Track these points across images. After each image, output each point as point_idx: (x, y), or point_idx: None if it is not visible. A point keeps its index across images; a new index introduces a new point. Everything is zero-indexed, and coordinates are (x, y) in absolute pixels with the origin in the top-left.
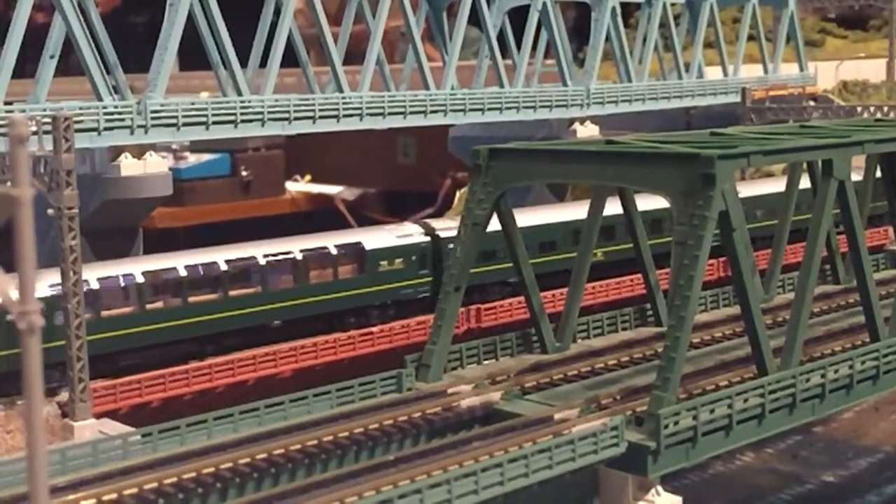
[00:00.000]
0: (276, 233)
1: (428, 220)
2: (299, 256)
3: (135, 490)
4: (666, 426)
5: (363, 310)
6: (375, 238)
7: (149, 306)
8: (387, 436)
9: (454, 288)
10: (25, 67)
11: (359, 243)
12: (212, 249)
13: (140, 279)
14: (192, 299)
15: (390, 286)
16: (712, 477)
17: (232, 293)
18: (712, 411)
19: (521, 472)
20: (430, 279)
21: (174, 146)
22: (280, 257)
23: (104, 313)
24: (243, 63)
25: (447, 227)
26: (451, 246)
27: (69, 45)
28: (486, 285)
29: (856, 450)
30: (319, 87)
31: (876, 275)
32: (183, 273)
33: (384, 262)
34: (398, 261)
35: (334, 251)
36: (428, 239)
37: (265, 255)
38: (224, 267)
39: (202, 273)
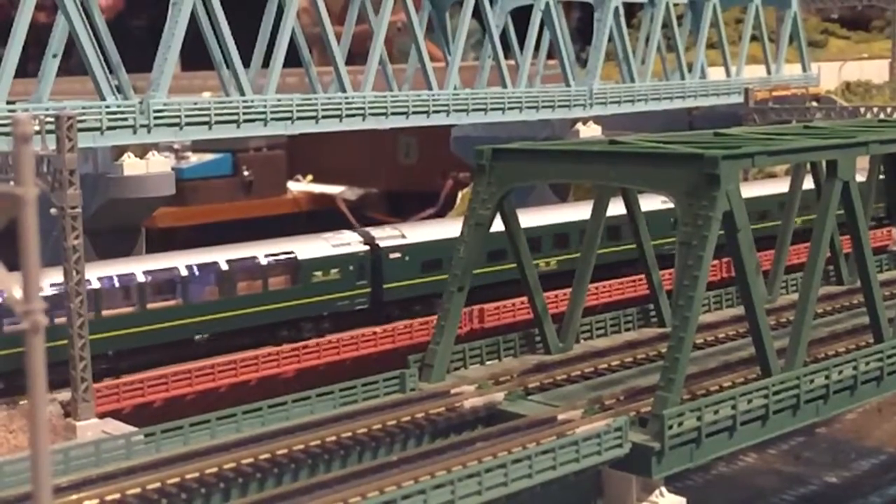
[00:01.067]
0: (278, 232)
1: (368, 229)
2: (225, 267)
3: (138, 490)
4: (670, 427)
5: (296, 323)
6: (309, 247)
7: (57, 321)
8: (390, 436)
9: (457, 288)
10: (27, 67)
11: (291, 253)
12: (130, 260)
13: (47, 291)
14: (105, 313)
15: (325, 298)
16: (715, 478)
17: (151, 306)
18: (716, 412)
19: (525, 472)
20: (368, 290)
21: (176, 146)
22: (204, 268)
23: (7, 329)
24: (246, 63)
25: (388, 235)
26: (394, 256)
27: (70, 46)
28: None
29: (859, 451)
30: (322, 87)
31: (879, 276)
32: (96, 285)
33: (318, 273)
34: (334, 271)
35: (264, 261)
36: (367, 248)
37: (187, 266)
38: (142, 278)
39: (117, 285)
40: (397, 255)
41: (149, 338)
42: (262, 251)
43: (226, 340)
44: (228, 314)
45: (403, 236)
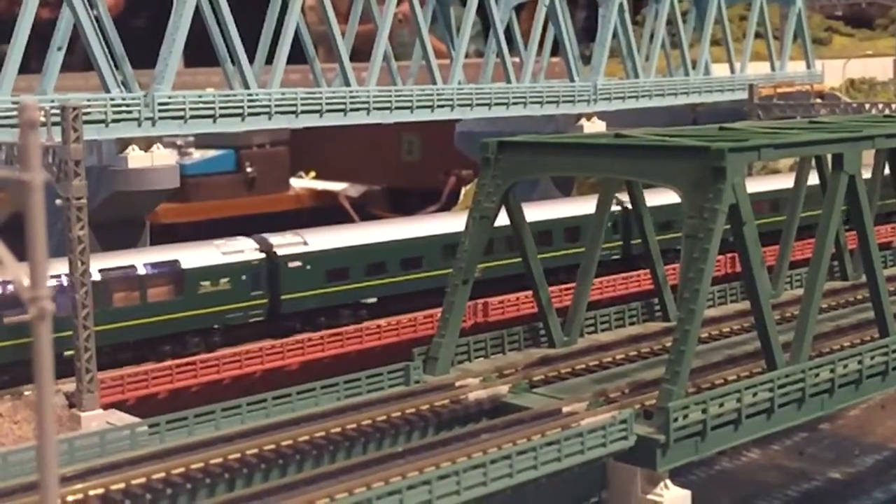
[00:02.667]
0: (281, 228)
1: (266, 235)
2: (98, 277)
3: (143, 480)
4: (675, 420)
5: (180, 336)
6: (196, 255)
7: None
8: (395, 428)
9: (462, 281)
10: (31, 63)
11: (175, 262)
12: None
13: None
14: None
15: (214, 310)
16: (719, 473)
17: (7, 320)
18: (721, 405)
19: (530, 464)
20: (264, 301)
21: (179, 142)
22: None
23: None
24: (250, 60)
25: (288, 242)
26: (293, 264)
27: (73, 42)
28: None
29: (862, 447)
30: (326, 84)
31: (884, 271)
32: None
33: (206, 283)
34: (224, 281)
35: (143, 270)
36: (263, 256)
37: (53, 276)
38: None
39: None
40: (297, 263)
41: (7, 354)
42: (141, 259)
43: (100, 357)
44: (102, 328)
45: (305, 243)
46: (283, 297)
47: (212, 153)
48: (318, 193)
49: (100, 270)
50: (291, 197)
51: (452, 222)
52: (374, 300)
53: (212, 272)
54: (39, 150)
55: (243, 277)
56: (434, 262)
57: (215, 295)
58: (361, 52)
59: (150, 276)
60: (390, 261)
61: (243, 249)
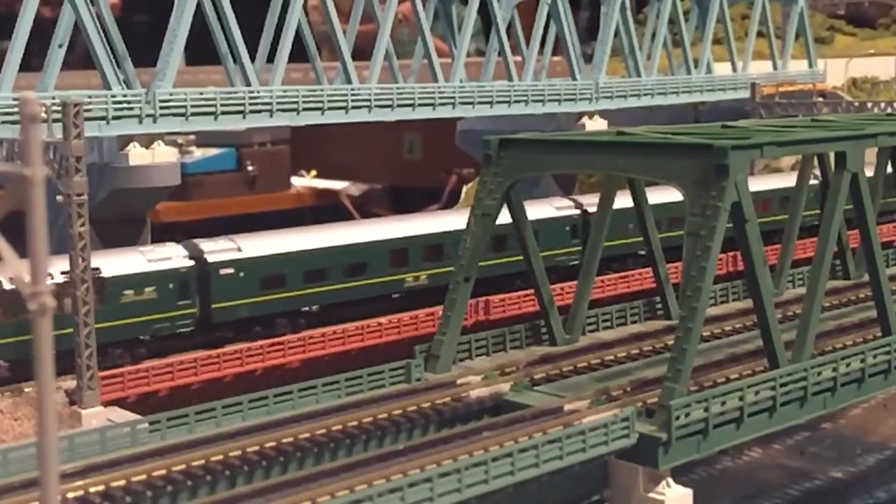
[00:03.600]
0: (282, 227)
1: (197, 241)
2: (7, 286)
3: (143, 477)
4: (677, 418)
5: (102, 348)
6: (119, 262)
7: None
8: (396, 425)
9: (464, 278)
10: (32, 61)
11: (95, 270)
12: None
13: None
14: None
15: (138, 320)
16: (720, 472)
17: None
18: (723, 403)
19: (532, 462)
20: (193, 311)
21: (180, 140)
22: None
23: None
24: (251, 57)
25: (220, 248)
26: (225, 271)
27: (73, 40)
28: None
29: (864, 446)
30: (328, 82)
31: (887, 270)
32: None
33: (129, 292)
34: (149, 289)
35: (59, 278)
36: (192, 263)
37: None
38: None
39: None
40: (229, 270)
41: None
42: (57, 267)
43: (12, 370)
44: (10, 340)
45: (239, 249)
46: (213, 306)
47: (213, 152)
48: (320, 192)
49: (10, 279)
50: (292, 196)
51: (400, 227)
52: (315, 308)
53: (136, 281)
54: (41, 145)
55: (170, 286)
56: (379, 268)
57: (139, 305)
58: (363, 52)
59: (69, 284)
60: (332, 267)
61: (171, 256)
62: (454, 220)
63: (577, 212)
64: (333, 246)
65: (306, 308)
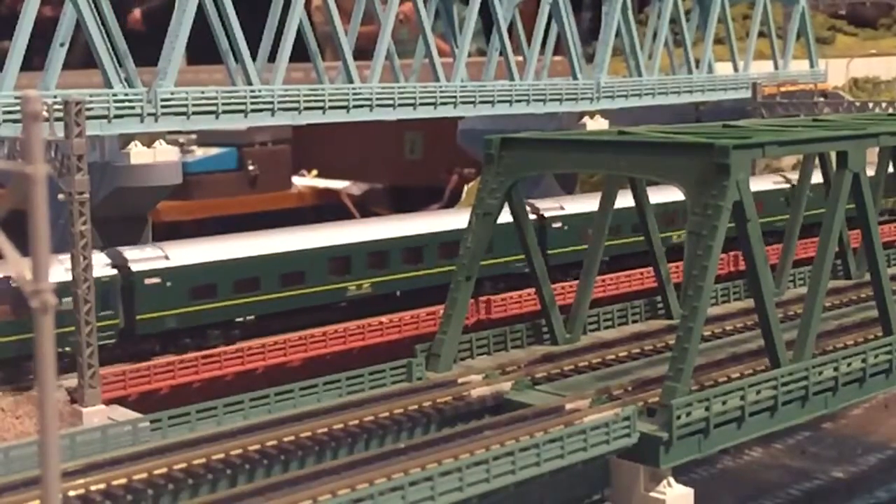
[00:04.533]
0: (283, 226)
1: (122, 248)
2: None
3: (145, 475)
4: (678, 417)
5: (17, 361)
6: None
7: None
8: (397, 424)
9: (465, 277)
10: (34, 60)
11: (6, 279)
12: None
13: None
14: None
15: (56, 332)
16: (721, 472)
17: None
18: (725, 403)
19: (533, 461)
20: (115, 322)
21: (181, 140)
22: None
23: None
24: (253, 57)
25: (146, 256)
26: (151, 281)
27: (74, 39)
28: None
29: (865, 446)
30: (329, 82)
31: (888, 270)
32: None
33: None
34: (67, 300)
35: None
36: (114, 272)
37: None
38: None
39: None
40: (156, 279)
41: None
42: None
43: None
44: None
45: (166, 257)
46: (138, 317)
47: (214, 151)
48: (321, 192)
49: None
50: (294, 195)
51: (339, 233)
52: (250, 319)
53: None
54: (42, 142)
55: None
56: (318, 276)
57: (58, 316)
58: (365, 52)
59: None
60: (266, 276)
61: (92, 265)
62: (399, 227)
63: (534, 217)
64: (268, 254)
65: (240, 318)
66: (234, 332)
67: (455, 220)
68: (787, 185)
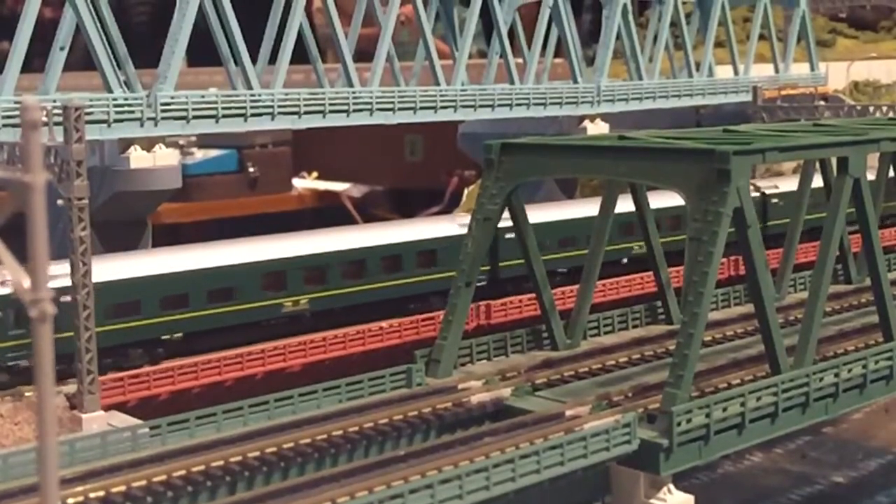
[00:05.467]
0: (283, 229)
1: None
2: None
3: (144, 482)
4: (678, 423)
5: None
6: None
7: None
8: (396, 430)
9: (465, 283)
10: (34, 63)
11: None
12: None
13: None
14: None
15: None
16: (722, 477)
17: None
18: (725, 409)
19: (533, 468)
20: (28, 341)
21: (181, 142)
22: None
23: None
24: (253, 60)
25: (60, 273)
26: (67, 298)
27: (76, 40)
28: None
29: (865, 451)
30: (329, 84)
31: (889, 275)
32: None
33: None
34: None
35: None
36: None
37: None
38: None
39: None
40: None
41: None
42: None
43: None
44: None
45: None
46: (53, 336)
47: (214, 153)
48: (321, 194)
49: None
50: (294, 197)
51: (274, 247)
52: (176, 337)
53: None
54: (41, 151)
55: (1, 314)
56: (249, 293)
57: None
58: (366, 54)
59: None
60: (193, 293)
61: (3, 281)
62: (339, 240)
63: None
64: (195, 269)
65: (166, 336)
66: (159, 351)
67: (398, 232)
68: (757, 195)
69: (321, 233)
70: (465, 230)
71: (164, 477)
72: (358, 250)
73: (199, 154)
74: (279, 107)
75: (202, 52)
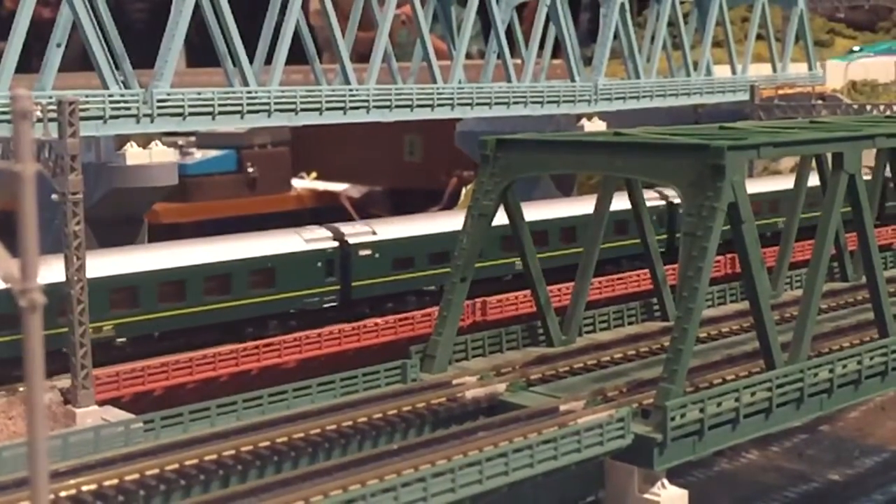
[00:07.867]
0: (281, 228)
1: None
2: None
3: (136, 476)
4: (672, 418)
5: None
6: None
7: None
8: (390, 425)
9: (460, 279)
10: (31, 61)
11: None
12: None
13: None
14: None
15: None
16: (717, 474)
17: None
18: (719, 404)
19: (526, 462)
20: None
21: (180, 142)
22: None
23: None
24: (250, 59)
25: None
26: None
27: (74, 40)
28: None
29: (862, 448)
30: (327, 83)
31: (885, 272)
32: None
33: None
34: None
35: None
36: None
37: None
38: None
39: None
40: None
41: None
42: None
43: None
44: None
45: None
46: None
47: (213, 153)
48: (320, 194)
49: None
50: (293, 197)
51: (176, 254)
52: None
53: None
54: (32, 140)
55: None
56: (149, 303)
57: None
58: (366, 57)
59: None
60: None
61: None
62: (284, 242)
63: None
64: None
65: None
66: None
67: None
68: (663, 203)
69: (265, 235)
70: (310, 246)
71: (157, 471)
72: (220, 264)
73: (198, 154)
74: (276, 104)
75: (201, 52)
